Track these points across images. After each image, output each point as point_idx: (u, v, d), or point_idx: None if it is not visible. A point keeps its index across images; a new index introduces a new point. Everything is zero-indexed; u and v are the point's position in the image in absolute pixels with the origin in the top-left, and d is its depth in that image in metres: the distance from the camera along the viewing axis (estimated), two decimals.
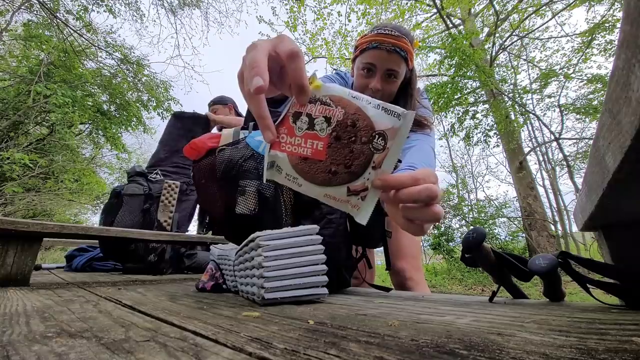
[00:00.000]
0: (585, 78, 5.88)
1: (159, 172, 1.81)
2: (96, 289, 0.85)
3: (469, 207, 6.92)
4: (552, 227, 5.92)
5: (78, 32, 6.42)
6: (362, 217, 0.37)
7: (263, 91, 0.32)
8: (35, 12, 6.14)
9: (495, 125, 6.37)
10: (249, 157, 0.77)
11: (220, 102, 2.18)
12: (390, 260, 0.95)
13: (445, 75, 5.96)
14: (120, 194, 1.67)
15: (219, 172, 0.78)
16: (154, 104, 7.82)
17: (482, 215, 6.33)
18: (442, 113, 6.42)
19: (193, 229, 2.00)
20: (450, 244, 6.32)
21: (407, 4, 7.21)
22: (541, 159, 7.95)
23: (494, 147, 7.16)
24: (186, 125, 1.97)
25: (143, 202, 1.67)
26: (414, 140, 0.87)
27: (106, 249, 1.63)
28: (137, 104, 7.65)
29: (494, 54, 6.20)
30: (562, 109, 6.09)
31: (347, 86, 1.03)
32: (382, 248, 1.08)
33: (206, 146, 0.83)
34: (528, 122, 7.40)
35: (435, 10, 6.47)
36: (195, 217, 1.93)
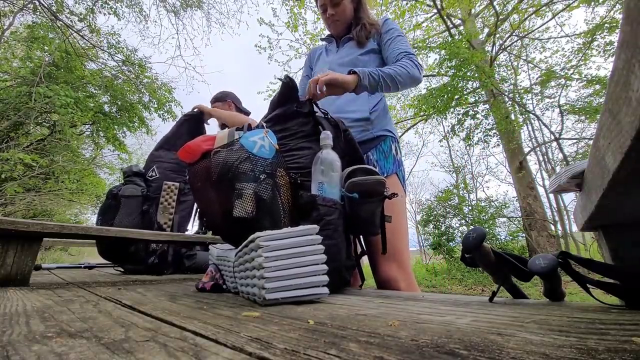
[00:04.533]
0: (585, 79, 5.87)
1: (155, 169, 1.76)
2: (96, 289, 0.85)
3: (469, 207, 6.91)
4: (552, 227, 5.92)
5: (80, 33, 6.42)
6: None
7: None
8: (38, 14, 6.13)
9: (495, 125, 6.37)
10: (244, 159, 0.76)
11: (220, 100, 2.05)
12: (386, 244, 0.90)
13: (446, 76, 5.97)
14: (117, 195, 1.63)
15: (215, 175, 0.77)
16: (155, 106, 7.81)
17: (483, 215, 6.32)
18: (442, 115, 6.41)
19: (191, 228, 1.97)
20: (451, 243, 6.31)
21: (407, 4, 7.21)
22: (541, 159, 7.94)
23: (494, 147, 7.16)
24: (192, 126, 1.90)
25: (141, 204, 1.63)
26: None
27: (104, 251, 1.61)
28: (139, 106, 7.64)
29: (494, 54, 6.20)
30: (562, 109, 6.09)
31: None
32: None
33: (201, 149, 0.82)
34: (528, 122, 7.40)
35: (435, 11, 6.47)
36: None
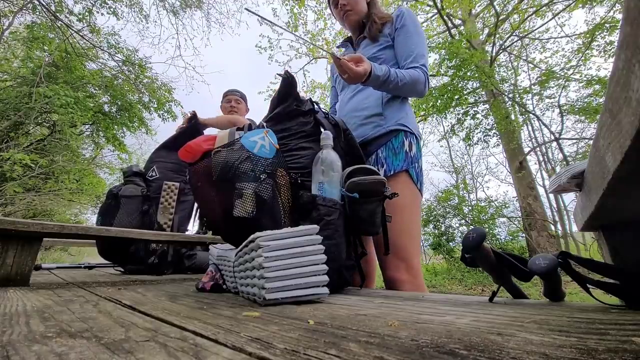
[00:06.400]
0: (585, 79, 5.88)
1: (156, 169, 1.76)
2: (96, 289, 0.85)
3: (469, 207, 6.91)
4: (552, 227, 5.92)
5: (80, 33, 6.42)
6: None
7: None
8: (37, 14, 6.13)
9: (495, 125, 6.37)
10: (244, 159, 0.76)
11: (244, 99, 2.22)
12: (389, 243, 0.90)
13: (445, 76, 5.97)
14: (117, 195, 1.62)
15: (215, 175, 0.77)
16: (155, 106, 7.81)
17: (483, 215, 6.32)
18: (442, 114, 6.41)
19: (191, 228, 1.98)
20: (451, 244, 6.31)
21: (407, 4, 7.21)
22: (541, 159, 7.94)
23: (494, 147, 7.16)
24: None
25: (141, 204, 1.63)
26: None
27: (104, 251, 1.61)
28: (139, 105, 7.64)
29: (494, 54, 6.20)
30: (562, 109, 6.09)
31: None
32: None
33: (201, 149, 0.82)
34: (528, 122, 7.41)
35: (435, 11, 6.47)
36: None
